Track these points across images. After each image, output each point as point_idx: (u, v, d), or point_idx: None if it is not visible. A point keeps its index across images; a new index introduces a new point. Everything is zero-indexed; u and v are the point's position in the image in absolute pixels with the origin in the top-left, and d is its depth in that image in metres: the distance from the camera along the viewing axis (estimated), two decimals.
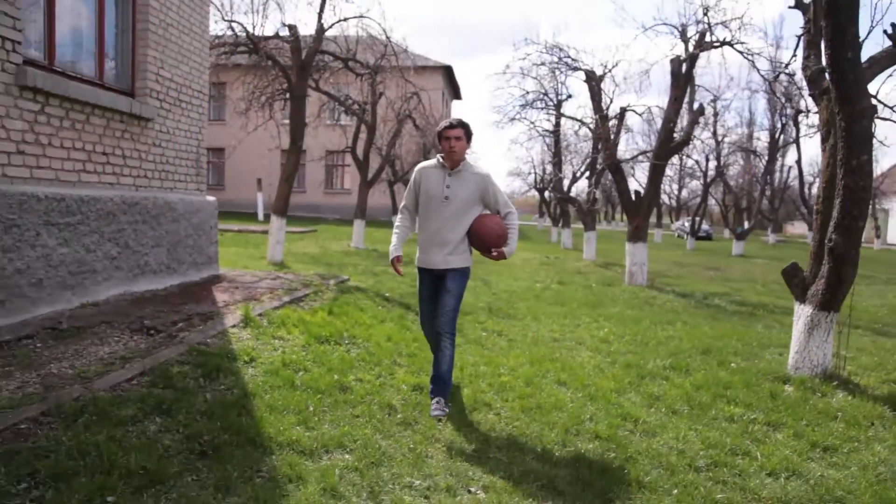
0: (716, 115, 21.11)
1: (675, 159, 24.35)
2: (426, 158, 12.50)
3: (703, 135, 23.60)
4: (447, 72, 35.32)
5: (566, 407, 3.82)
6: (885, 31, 4.64)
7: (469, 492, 2.69)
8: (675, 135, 10.22)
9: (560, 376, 4.49)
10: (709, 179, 25.50)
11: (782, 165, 27.16)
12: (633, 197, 10.36)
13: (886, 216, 40.20)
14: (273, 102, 12.21)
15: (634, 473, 2.92)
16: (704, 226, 35.88)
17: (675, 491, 2.78)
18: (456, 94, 41.05)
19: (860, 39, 4.05)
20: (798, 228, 52.39)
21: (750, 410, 3.91)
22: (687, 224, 31.45)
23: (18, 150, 4.59)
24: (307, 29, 11.21)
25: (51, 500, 2.29)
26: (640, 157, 16.63)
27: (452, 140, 3.68)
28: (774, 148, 22.80)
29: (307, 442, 3.00)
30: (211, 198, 7.59)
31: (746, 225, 24.04)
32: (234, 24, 10.71)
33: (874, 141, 4.26)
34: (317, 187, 31.81)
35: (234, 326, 5.01)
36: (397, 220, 4.01)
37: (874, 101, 4.19)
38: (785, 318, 6.95)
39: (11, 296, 4.49)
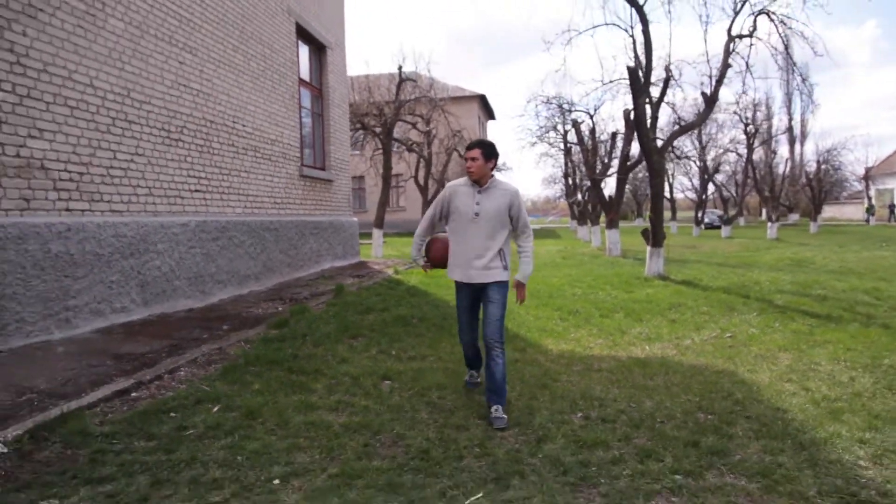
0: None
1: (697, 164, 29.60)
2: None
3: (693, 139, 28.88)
4: (482, 99, 41.41)
5: (535, 288, 9.63)
6: (678, 120, 10.31)
7: None
8: (629, 159, 15.88)
9: (538, 283, 10.29)
10: (706, 176, 30.63)
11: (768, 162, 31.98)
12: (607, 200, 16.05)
13: (891, 195, 43.97)
14: (373, 155, 18.60)
15: (551, 293, 8.72)
16: (715, 216, 40.61)
17: (558, 297, 8.57)
18: (490, 115, 47.12)
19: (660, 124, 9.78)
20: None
21: (611, 286, 9.64)
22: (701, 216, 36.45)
23: (301, 203, 10.75)
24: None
25: (412, 300, 8.26)
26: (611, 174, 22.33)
27: (469, 161, 3.92)
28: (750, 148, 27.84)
29: (440, 295, 8.93)
30: (355, 219, 13.71)
31: (731, 213, 29.14)
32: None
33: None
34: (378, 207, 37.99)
35: (392, 274, 11.02)
36: (418, 228, 4.25)
37: (669, 153, 9.90)
38: (675, 263, 12.53)
39: (305, 264, 10.64)
